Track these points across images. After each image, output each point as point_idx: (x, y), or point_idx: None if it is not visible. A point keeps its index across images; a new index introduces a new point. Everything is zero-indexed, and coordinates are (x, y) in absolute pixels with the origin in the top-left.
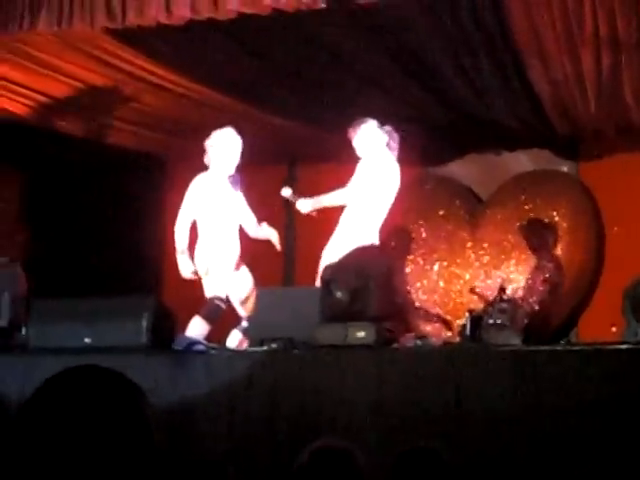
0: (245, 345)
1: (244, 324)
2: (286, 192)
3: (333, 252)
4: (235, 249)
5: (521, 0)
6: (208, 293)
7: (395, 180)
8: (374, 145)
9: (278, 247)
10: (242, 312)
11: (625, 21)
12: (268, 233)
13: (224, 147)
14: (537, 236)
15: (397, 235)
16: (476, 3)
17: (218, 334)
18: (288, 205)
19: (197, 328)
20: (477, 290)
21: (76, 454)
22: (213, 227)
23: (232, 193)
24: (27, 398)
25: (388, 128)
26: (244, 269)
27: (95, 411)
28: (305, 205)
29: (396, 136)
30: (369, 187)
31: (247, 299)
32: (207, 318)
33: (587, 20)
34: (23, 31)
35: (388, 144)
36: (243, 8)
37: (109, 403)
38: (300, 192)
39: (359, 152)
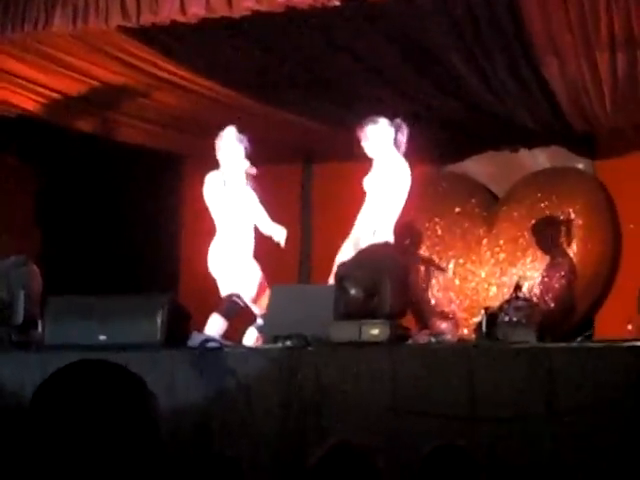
0: (260, 342)
1: (259, 321)
2: None
3: (348, 250)
4: (249, 246)
5: None
6: (224, 291)
7: (406, 178)
8: (383, 145)
9: (282, 244)
10: (256, 310)
11: None
12: (275, 230)
13: (230, 145)
14: (553, 233)
15: (412, 232)
16: (491, 1)
17: (236, 332)
18: (304, 203)
19: (215, 325)
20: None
21: (81, 448)
22: (226, 224)
23: (244, 190)
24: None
25: (398, 121)
26: (255, 267)
27: (99, 405)
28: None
29: (405, 130)
30: (382, 187)
31: (260, 296)
32: (224, 315)
33: (602, 19)
34: (38, 30)
35: (396, 139)
36: (257, 6)
37: (113, 396)
38: (316, 189)
39: (368, 152)
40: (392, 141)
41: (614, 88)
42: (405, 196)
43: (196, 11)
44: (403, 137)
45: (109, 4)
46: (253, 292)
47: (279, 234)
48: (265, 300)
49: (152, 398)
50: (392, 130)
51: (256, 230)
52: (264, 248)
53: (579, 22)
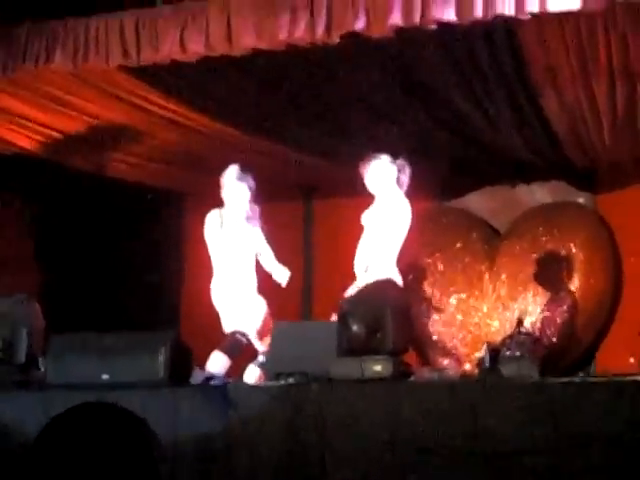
0: (262, 380)
1: (261, 358)
2: None
3: (351, 287)
4: (252, 283)
5: (535, 31)
6: (226, 327)
7: (407, 217)
8: (385, 182)
9: (283, 284)
10: (259, 346)
11: (638, 52)
12: (278, 270)
13: (233, 183)
14: (554, 268)
15: (414, 268)
16: (490, 35)
17: (238, 369)
18: (306, 239)
19: (217, 363)
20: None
21: None
22: (228, 261)
23: (247, 227)
24: (36, 436)
25: (401, 162)
26: (261, 303)
27: (101, 447)
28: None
29: (408, 170)
30: (382, 223)
31: (263, 333)
32: (227, 352)
33: (601, 51)
34: (39, 68)
35: (399, 179)
36: (257, 44)
37: (114, 438)
38: (317, 225)
39: (370, 189)
40: (394, 180)
41: (612, 120)
42: (405, 233)
43: (196, 49)
44: (406, 177)
45: (109, 43)
46: (258, 327)
47: (281, 275)
48: (267, 336)
49: (153, 438)
50: (394, 168)
51: (258, 266)
52: (266, 283)
53: (577, 55)
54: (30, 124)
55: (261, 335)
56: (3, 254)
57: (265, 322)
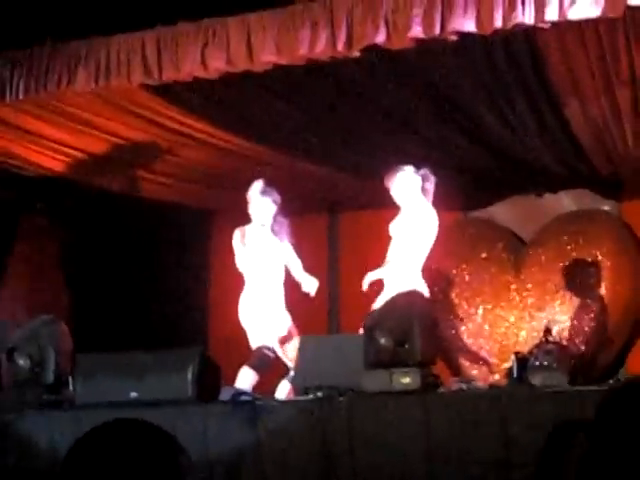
0: (292, 395)
1: (292, 374)
2: None
3: (378, 299)
4: (279, 298)
5: (556, 40)
6: (254, 343)
7: (434, 226)
8: (411, 192)
9: (312, 294)
10: (288, 362)
11: None
12: (307, 280)
13: (259, 199)
14: (581, 276)
15: (440, 279)
16: (510, 45)
17: (268, 385)
18: (331, 251)
19: (246, 378)
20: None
21: None
22: (255, 277)
23: (274, 242)
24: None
25: (424, 171)
26: (287, 318)
27: (131, 464)
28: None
29: (432, 178)
30: (409, 233)
31: (290, 347)
32: (255, 368)
33: (622, 59)
34: (61, 89)
35: (423, 187)
36: (278, 59)
37: (144, 455)
38: (342, 238)
39: (397, 200)
40: (419, 189)
41: (636, 127)
42: (432, 243)
43: (217, 66)
44: (430, 185)
45: (131, 62)
46: (286, 343)
47: (310, 284)
48: (292, 346)
49: (183, 455)
50: (419, 178)
51: (285, 280)
52: (293, 297)
53: (599, 62)
54: (55, 145)
55: (287, 350)
56: (32, 276)
57: (289, 332)
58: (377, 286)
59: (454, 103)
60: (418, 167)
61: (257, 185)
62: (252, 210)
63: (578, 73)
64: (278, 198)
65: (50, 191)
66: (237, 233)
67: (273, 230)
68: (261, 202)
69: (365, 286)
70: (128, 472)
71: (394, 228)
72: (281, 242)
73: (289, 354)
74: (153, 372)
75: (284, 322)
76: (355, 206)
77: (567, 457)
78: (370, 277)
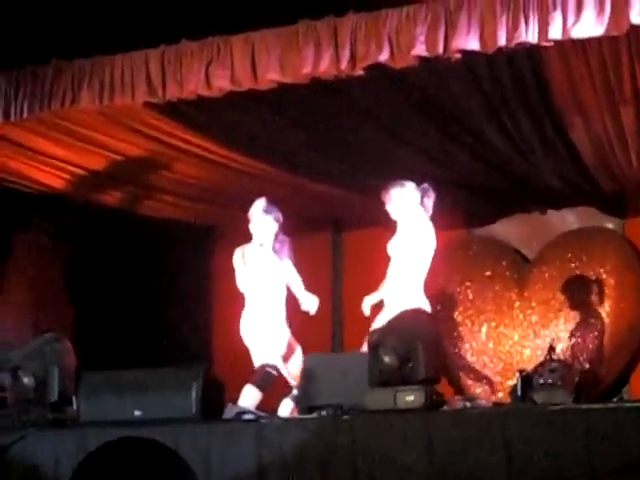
0: (296, 413)
1: (295, 392)
2: None
3: (381, 317)
4: (280, 316)
5: (559, 58)
6: (257, 361)
7: (431, 241)
8: (407, 208)
9: (312, 312)
10: (292, 380)
11: None
12: (307, 298)
13: (260, 217)
14: (585, 293)
15: (444, 297)
16: (514, 62)
17: (271, 403)
18: (335, 270)
19: (249, 397)
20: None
21: None
22: (258, 295)
23: (275, 260)
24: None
25: (424, 186)
26: (289, 335)
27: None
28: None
29: (432, 193)
30: (406, 250)
31: (292, 364)
32: (258, 386)
33: (625, 76)
34: (65, 107)
35: (422, 202)
36: (282, 78)
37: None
38: (346, 255)
39: (392, 215)
40: (418, 204)
41: (639, 143)
42: (430, 258)
43: (221, 84)
44: (430, 201)
45: (135, 80)
46: (290, 362)
47: (310, 303)
48: (295, 363)
49: (189, 472)
50: (418, 193)
51: (288, 298)
52: (297, 315)
53: (602, 80)
54: (59, 163)
55: (286, 359)
56: (35, 293)
57: (289, 346)
58: (379, 306)
59: (459, 121)
60: (420, 183)
61: (259, 203)
62: (253, 228)
63: (582, 91)
64: (280, 216)
65: (54, 209)
66: (238, 252)
67: (274, 248)
68: (263, 220)
69: (366, 311)
70: None
71: (392, 246)
72: (281, 260)
73: (291, 371)
74: (157, 390)
75: (285, 340)
76: (359, 224)
77: None
78: (369, 301)
